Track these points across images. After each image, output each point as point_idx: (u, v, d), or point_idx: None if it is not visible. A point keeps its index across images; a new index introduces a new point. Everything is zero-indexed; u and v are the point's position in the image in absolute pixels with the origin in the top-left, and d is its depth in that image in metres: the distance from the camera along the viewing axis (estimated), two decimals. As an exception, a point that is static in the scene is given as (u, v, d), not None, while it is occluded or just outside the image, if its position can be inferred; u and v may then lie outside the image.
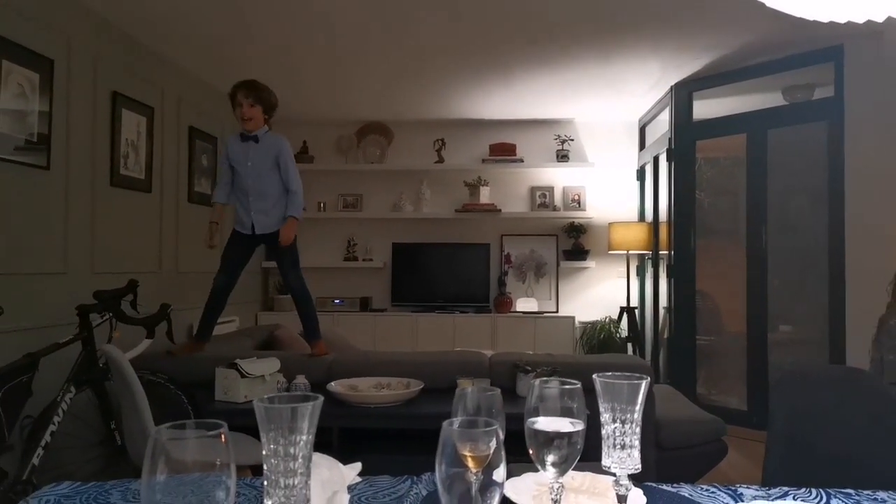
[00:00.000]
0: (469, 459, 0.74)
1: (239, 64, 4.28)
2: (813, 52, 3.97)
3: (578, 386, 0.83)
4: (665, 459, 2.75)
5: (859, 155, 3.79)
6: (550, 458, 0.80)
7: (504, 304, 5.58)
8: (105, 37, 3.48)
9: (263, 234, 3.09)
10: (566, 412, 0.83)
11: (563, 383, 0.84)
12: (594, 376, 0.82)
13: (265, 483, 0.67)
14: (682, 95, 4.69)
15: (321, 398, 0.68)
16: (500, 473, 0.73)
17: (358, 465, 1.15)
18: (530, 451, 0.82)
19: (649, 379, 0.81)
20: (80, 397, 2.53)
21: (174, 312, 2.80)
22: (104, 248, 3.46)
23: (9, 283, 2.80)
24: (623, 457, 0.81)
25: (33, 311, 2.89)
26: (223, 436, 0.61)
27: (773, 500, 1.09)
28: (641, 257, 5.60)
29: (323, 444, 2.58)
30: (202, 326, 3.16)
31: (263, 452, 0.67)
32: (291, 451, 0.66)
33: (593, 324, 5.51)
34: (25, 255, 2.90)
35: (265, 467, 0.67)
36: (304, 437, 0.67)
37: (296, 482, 0.67)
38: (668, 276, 4.77)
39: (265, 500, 0.67)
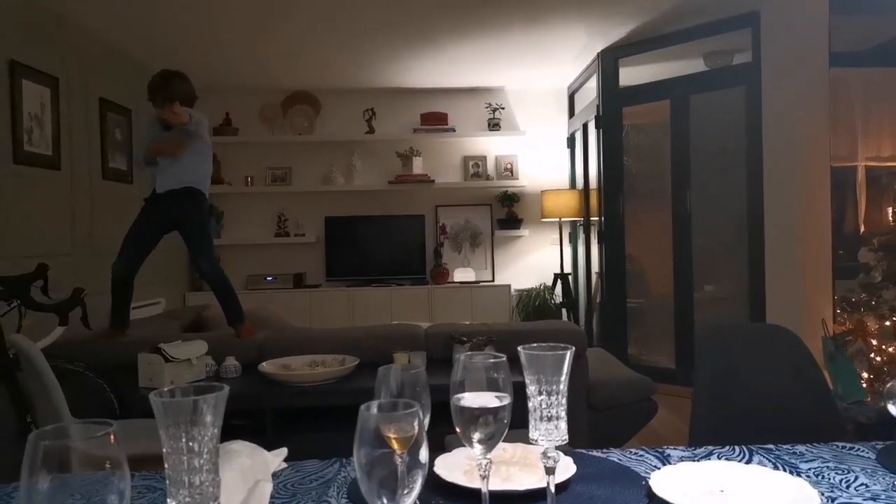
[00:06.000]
0: (394, 441, 0.71)
1: (150, 27, 4.03)
2: (731, 18, 4.06)
3: (504, 359, 0.81)
4: (598, 420, 2.82)
5: (775, 119, 3.93)
6: (476, 436, 0.78)
7: (441, 274, 5.57)
8: (-3, 1, 3.20)
9: (166, 197, 2.94)
10: (492, 385, 0.80)
11: (488, 357, 0.81)
12: (519, 349, 0.80)
13: (167, 483, 0.62)
14: (608, 62, 4.73)
15: (226, 388, 0.63)
16: (423, 454, 0.70)
17: (283, 451, 1.10)
18: (457, 429, 0.79)
19: (573, 349, 0.80)
20: (-10, 391, 2.37)
21: (91, 296, 2.64)
22: (10, 230, 3.22)
23: None
24: (550, 429, 0.79)
25: (-70, 301, 2.67)
26: (112, 436, 0.55)
27: (698, 459, 1.11)
28: (573, 224, 5.68)
29: (256, 427, 2.49)
30: (115, 315, 2.99)
31: (164, 450, 0.61)
32: (195, 447, 0.61)
33: (528, 291, 5.58)
34: (-83, 241, 2.67)
35: (166, 465, 0.62)
36: (210, 431, 0.62)
37: (203, 479, 0.62)
38: (599, 241, 4.86)
39: (168, 501, 0.62)
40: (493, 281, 5.71)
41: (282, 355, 2.73)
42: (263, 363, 2.62)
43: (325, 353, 2.73)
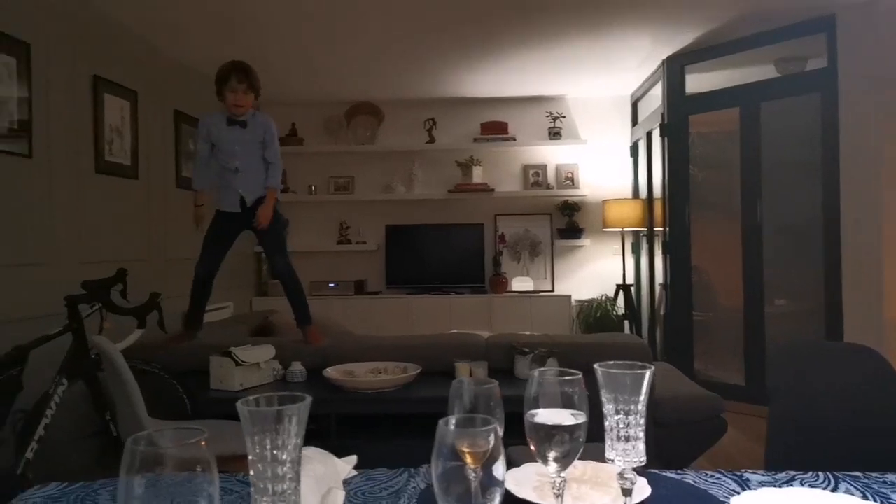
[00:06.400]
0: (467, 456, 0.70)
1: (220, 44, 4.19)
2: (804, 22, 3.91)
3: (579, 376, 0.80)
4: (664, 437, 2.74)
5: (853, 126, 3.76)
6: (552, 454, 0.76)
7: (499, 283, 5.55)
8: (82, 18, 3.39)
9: (253, 205, 3.02)
10: (566, 401, 0.79)
11: (563, 374, 0.80)
12: (595, 366, 0.79)
13: (252, 490, 0.64)
14: (674, 69, 4.63)
15: (309, 399, 0.65)
16: (500, 470, 0.70)
17: (353, 459, 1.12)
18: (531, 447, 0.78)
19: (653, 369, 0.78)
20: (74, 389, 2.50)
21: (165, 300, 2.76)
22: (92, 237, 3.40)
23: (-6, 275, 2.75)
24: (627, 449, 0.78)
25: (20, 302, 2.84)
26: (203, 443, 0.57)
27: (779, 485, 1.06)
28: (636, 234, 5.57)
29: (321, 432, 2.53)
30: (190, 316, 3.11)
31: (249, 458, 0.63)
32: (279, 455, 0.62)
33: (589, 302, 5.49)
34: (10, 245, 2.85)
35: (251, 473, 0.63)
36: (293, 441, 0.63)
37: (285, 488, 0.63)
38: (664, 252, 4.75)
39: (252, 507, 0.64)
40: (552, 291, 5.65)
41: (345, 361, 2.77)
42: (328, 369, 2.67)
43: (387, 361, 2.76)
